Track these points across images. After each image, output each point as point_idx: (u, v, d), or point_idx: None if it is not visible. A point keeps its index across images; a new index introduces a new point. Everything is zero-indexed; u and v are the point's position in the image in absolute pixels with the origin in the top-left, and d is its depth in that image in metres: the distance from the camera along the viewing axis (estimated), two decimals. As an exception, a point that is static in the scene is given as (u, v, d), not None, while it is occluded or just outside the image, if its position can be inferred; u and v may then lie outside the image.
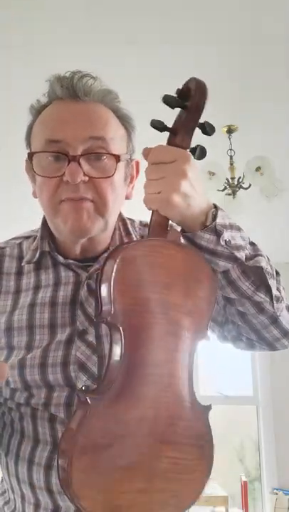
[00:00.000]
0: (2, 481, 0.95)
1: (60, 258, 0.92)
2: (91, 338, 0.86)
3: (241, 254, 0.80)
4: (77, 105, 0.87)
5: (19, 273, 0.95)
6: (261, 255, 0.85)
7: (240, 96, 2.61)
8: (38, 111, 0.91)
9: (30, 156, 0.87)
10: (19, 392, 0.85)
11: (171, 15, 2.06)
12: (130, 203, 0.99)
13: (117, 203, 0.90)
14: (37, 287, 0.92)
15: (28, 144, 0.92)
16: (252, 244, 0.86)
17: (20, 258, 0.96)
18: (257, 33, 2.17)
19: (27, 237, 1.01)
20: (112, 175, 0.86)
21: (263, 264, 0.83)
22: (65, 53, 2.17)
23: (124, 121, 0.92)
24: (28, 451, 0.86)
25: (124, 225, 1.00)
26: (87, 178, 0.84)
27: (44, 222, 0.96)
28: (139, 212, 1.00)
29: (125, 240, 0.97)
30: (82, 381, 0.83)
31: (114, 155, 0.86)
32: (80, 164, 0.82)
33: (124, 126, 0.92)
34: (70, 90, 0.87)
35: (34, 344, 0.86)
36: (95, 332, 0.86)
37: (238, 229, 0.83)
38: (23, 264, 0.95)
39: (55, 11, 2.02)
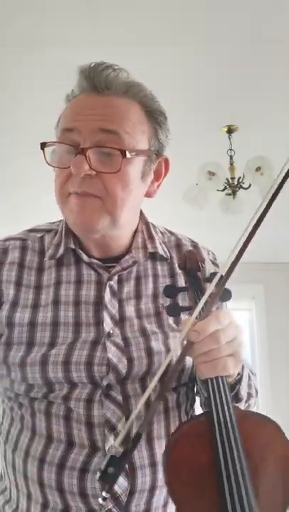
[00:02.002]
0: (1, 478, 0.93)
1: (85, 256, 0.91)
2: (118, 339, 0.86)
3: (241, 397, 0.87)
4: (96, 97, 0.85)
5: (40, 269, 0.92)
6: (253, 389, 0.92)
7: (240, 96, 2.61)
8: (68, 101, 0.90)
9: (42, 146, 0.86)
10: (37, 388, 0.83)
11: (171, 15, 2.06)
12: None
13: (130, 201, 0.86)
14: (58, 283, 0.90)
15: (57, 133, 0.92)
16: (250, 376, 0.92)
17: (41, 253, 0.94)
18: (256, 33, 2.17)
19: (48, 231, 0.97)
20: (118, 171, 0.82)
21: (252, 400, 0.92)
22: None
23: (152, 115, 0.88)
24: (40, 449, 0.83)
25: (148, 228, 0.98)
26: (94, 173, 0.82)
27: None
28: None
29: (148, 242, 0.95)
30: (107, 380, 0.82)
31: (119, 149, 0.82)
32: (86, 157, 0.81)
33: (150, 120, 0.88)
34: (90, 83, 0.85)
35: (58, 341, 0.85)
36: (121, 334, 0.86)
37: (249, 377, 0.90)
38: (45, 259, 0.92)
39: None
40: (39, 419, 0.84)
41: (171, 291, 0.84)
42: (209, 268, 0.97)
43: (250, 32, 2.17)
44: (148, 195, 0.92)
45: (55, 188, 0.87)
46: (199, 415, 0.75)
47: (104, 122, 0.82)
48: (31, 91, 2.50)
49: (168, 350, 0.86)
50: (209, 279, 0.81)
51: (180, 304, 0.88)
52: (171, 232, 1.03)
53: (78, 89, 0.88)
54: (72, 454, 0.81)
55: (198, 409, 0.92)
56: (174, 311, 0.82)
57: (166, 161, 0.93)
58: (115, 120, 0.83)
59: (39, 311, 0.88)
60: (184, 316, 0.89)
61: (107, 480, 0.68)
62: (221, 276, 0.75)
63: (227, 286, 0.77)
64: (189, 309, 0.79)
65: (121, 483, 0.79)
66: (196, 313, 0.74)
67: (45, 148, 0.86)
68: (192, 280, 0.83)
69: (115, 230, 0.89)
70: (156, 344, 0.86)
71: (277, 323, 4.88)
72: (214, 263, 1.02)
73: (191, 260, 0.85)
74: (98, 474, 0.69)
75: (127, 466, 0.79)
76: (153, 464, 0.82)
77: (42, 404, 0.84)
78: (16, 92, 2.53)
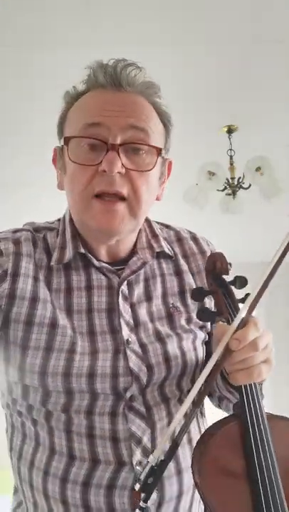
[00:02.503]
0: (16, 491, 0.90)
1: (95, 261, 0.86)
2: (136, 347, 0.83)
3: None
4: (119, 94, 0.82)
5: (50, 269, 0.86)
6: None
7: (240, 96, 2.61)
8: (74, 97, 0.85)
9: (67, 141, 0.81)
10: (54, 398, 0.79)
11: (171, 15, 2.06)
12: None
13: (149, 204, 0.85)
14: (69, 289, 0.86)
15: (61, 131, 0.87)
16: None
17: (48, 252, 0.88)
18: (257, 33, 2.17)
19: (49, 229, 0.92)
20: (151, 169, 0.81)
21: None
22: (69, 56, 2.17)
23: (164, 117, 0.87)
24: (44, 460, 0.81)
25: (150, 226, 0.95)
26: (124, 171, 0.79)
27: (71, 219, 0.89)
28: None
29: (153, 242, 0.92)
30: (131, 391, 0.79)
31: (156, 147, 0.81)
32: (118, 154, 0.77)
33: (162, 122, 0.87)
34: (114, 79, 0.81)
35: (77, 350, 0.80)
36: (138, 341, 0.83)
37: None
38: (52, 263, 0.86)
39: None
40: (58, 437, 0.80)
41: (200, 294, 0.81)
42: None
43: (250, 32, 2.17)
44: (157, 198, 0.90)
45: (73, 189, 0.82)
46: (229, 419, 0.74)
47: (135, 119, 0.80)
48: (32, 90, 2.50)
49: (183, 353, 0.84)
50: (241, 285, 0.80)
51: (209, 308, 0.85)
52: (167, 226, 1.00)
53: (91, 84, 0.84)
54: (98, 472, 0.78)
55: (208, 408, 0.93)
56: (207, 316, 0.80)
57: (170, 164, 0.92)
58: (144, 118, 0.81)
59: (57, 313, 0.83)
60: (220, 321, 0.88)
61: (148, 490, 0.68)
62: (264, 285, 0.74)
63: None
64: (220, 314, 0.77)
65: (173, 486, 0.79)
66: (237, 321, 0.71)
67: (69, 145, 0.81)
68: (219, 283, 0.80)
69: (133, 234, 0.87)
70: (172, 348, 0.84)
71: (277, 324, 4.88)
72: None
73: (220, 263, 0.82)
74: (138, 486, 0.67)
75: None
76: (179, 472, 0.81)
77: (60, 422, 0.80)
78: (16, 91, 2.53)
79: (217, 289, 0.80)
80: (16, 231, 0.89)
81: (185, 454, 0.82)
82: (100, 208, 0.80)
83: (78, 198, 0.81)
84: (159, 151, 0.81)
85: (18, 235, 0.88)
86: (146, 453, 0.78)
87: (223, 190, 2.88)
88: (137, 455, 0.78)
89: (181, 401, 0.84)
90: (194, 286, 0.92)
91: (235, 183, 2.88)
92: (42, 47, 2.21)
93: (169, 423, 0.81)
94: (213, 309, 0.80)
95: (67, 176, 0.84)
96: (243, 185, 2.87)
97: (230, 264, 0.83)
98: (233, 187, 2.87)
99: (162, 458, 0.69)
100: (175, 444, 0.69)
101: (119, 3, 1.99)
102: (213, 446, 0.70)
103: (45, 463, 0.81)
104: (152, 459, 0.68)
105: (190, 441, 0.84)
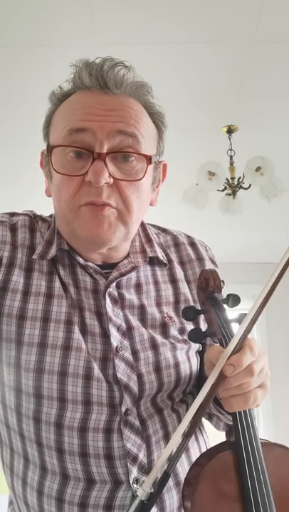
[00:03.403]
0: (11, 504, 0.87)
1: (80, 260, 0.81)
2: (127, 353, 0.79)
3: None
4: (106, 97, 0.76)
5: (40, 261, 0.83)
6: None
7: (240, 95, 2.61)
8: (59, 99, 0.80)
9: (50, 149, 0.76)
10: (46, 408, 0.76)
11: (171, 15, 2.06)
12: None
13: (142, 211, 0.80)
14: (63, 282, 0.82)
15: (46, 134, 0.82)
16: None
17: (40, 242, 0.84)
18: (257, 33, 2.17)
19: (42, 220, 0.88)
20: (141, 178, 0.76)
21: None
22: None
23: (156, 118, 0.82)
24: (36, 479, 0.77)
25: (144, 230, 0.91)
26: (112, 180, 0.74)
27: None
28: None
29: (146, 246, 0.88)
30: (125, 405, 0.76)
31: (145, 156, 0.76)
32: (105, 163, 0.73)
33: (155, 124, 0.82)
34: (100, 80, 0.76)
35: (72, 345, 0.77)
36: (131, 346, 0.79)
37: None
38: (34, 257, 0.81)
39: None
40: (49, 455, 0.76)
41: (192, 313, 0.77)
42: (209, 267, 0.92)
43: (251, 32, 2.17)
44: (151, 203, 0.85)
45: (59, 199, 0.77)
46: (223, 446, 0.71)
47: (123, 124, 0.75)
48: (31, 91, 2.50)
49: (176, 363, 0.81)
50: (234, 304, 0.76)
51: (203, 329, 0.80)
52: (164, 230, 0.95)
53: (76, 85, 0.79)
54: (94, 492, 0.74)
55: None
56: (199, 337, 0.74)
57: (165, 166, 0.88)
58: (133, 123, 0.76)
59: (53, 304, 0.79)
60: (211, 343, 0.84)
61: None
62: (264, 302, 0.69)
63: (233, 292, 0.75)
64: (213, 335, 0.73)
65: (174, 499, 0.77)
66: (232, 346, 0.67)
67: (52, 153, 0.76)
68: (212, 302, 0.77)
69: (125, 243, 0.83)
70: (165, 358, 0.81)
71: (277, 324, 4.87)
72: (212, 261, 0.96)
73: (213, 280, 0.78)
74: None
75: (174, 481, 0.77)
76: (177, 484, 0.78)
77: (51, 440, 0.76)
78: (15, 92, 2.52)
79: (210, 308, 0.76)
80: (13, 214, 0.87)
81: (183, 466, 0.80)
82: (88, 214, 0.75)
83: (66, 207, 0.77)
84: (149, 159, 0.76)
85: (15, 219, 0.85)
86: (142, 469, 0.75)
87: (223, 190, 2.88)
88: (134, 473, 0.75)
89: (173, 410, 0.82)
90: (189, 296, 0.88)
91: (235, 183, 2.87)
92: (42, 47, 2.21)
93: (165, 436, 0.79)
94: (205, 329, 0.77)
95: (54, 185, 0.79)
96: (243, 186, 2.87)
97: (223, 281, 0.80)
98: (233, 187, 2.86)
99: (152, 491, 0.66)
100: (166, 475, 0.66)
101: (119, 3, 1.99)
102: (207, 474, 0.67)
103: (37, 481, 0.77)
104: (141, 493, 0.65)
105: (187, 450, 0.82)
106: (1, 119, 2.76)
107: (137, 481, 0.75)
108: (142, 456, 0.76)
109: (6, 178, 3.40)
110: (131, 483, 0.74)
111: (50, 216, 0.90)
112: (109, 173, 0.73)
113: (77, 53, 0.85)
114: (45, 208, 1.07)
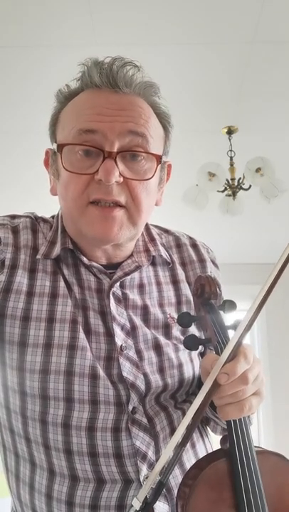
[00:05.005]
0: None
1: (85, 259, 0.82)
2: (132, 353, 0.79)
3: None
4: (116, 96, 0.76)
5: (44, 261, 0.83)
6: None
7: (240, 96, 2.60)
8: (66, 97, 0.80)
9: (61, 147, 0.76)
10: (53, 408, 0.75)
11: (172, 15, 2.05)
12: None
13: (149, 211, 0.81)
14: (67, 282, 0.82)
15: (53, 133, 0.82)
16: None
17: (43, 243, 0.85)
18: (257, 33, 2.17)
19: (44, 220, 0.88)
20: (151, 178, 0.77)
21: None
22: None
23: (163, 119, 0.82)
24: (44, 483, 0.76)
25: (148, 229, 0.91)
26: (121, 179, 0.74)
27: (62, 218, 0.86)
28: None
29: (150, 245, 0.88)
30: (132, 403, 0.76)
31: (155, 155, 0.77)
32: (116, 162, 0.73)
33: (162, 124, 0.82)
34: (110, 79, 0.76)
35: (78, 344, 0.77)
36: (135, 346, 0.80)
37: None
38: (38, 256, 0.82)
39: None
40: (57, 458, 0.75)
41: (188, 320, 0.76)
42: (211, 269, 0.92)
43: (251, 32, 2.16)
44: (156, 203, 0.85)
45: (66, 197, 0.78)
46: (218, 454, 0.71)
47: (133, 124, 0.75)
48: (31, 91, 2.50)
49: (179, 363, 0.82)
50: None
51: (198, 336, 0.80)
52: (166, 231, 0.96)
53: (85, 84, 0.79)
54: (105, 492, 0.74)
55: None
56: (194, 344, 0.74)
57: (170, 167, 0.88)
58: (142, 123, 0.76)
59: (58, 304, 0.79)
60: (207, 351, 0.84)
61: None
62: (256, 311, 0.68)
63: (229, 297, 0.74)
64: (208, 342, 0.73)
65: (161, 508, 0.75)
66: (225, 354, 0.66)
67: (62, 151, 0.76)
68: (207, 308, 0.76)
69: (130, 242, 0.84)
70: (168, 358, 0.81)
71: (276, 324, 4.87)
72: (214, 263, 0.96)
73: (209, 287, 0.78)
74: None
75: (164, 490, 0.74)
76: (168, 492, 0.77)
77: (59, 442, 0.75)
78: (15, 92, 2.52)
79: (205, 315, 0.76)
80: (14, 217, 0.87)
81: (191, 461, 0.80)
82: (96, 214, 0.75)
83: (72, 205, 0.77)
84: (159, 158, 0.77)
85: (16, 222, 0.85)
86: (152, 467, 0.75)
87: (223, 191, 2.88)
88: (144, 470, 0.75)
89: (177, 407, 0.82)
90: (191, 297, 0.88)
91: (236, 184, 2.87)
92: (42, 47, 2.20)
93: (172, 432, 0.78)
94: (200, 336, 0.75)
95: (61, 183, 0.79)
96: (243, 186, 2.87)
97: (219, 287, 0.79)
98: (233, 188, 2.86)
99: (148, 499, 0.65)
100: (161, 485, 0.65)
101: (119, 3, 1.99)
102: (202, 483, 0.67)
103: (46, 486, 0.76)
104: (136, 504, 0.64)
105: (193, 445, 0.82)
106: (1, 119, 2.76)
107: (147, 478, 0.74)
108: (150, 453, 0.76)
109: (6, 178, 3.40)
110: (141, 481, 0.74)
111: (52, 217, 0.90)
112: (120, 172, 0.74)
113: (77, 53, 0.85)
114: (45, 208, 1.07)
